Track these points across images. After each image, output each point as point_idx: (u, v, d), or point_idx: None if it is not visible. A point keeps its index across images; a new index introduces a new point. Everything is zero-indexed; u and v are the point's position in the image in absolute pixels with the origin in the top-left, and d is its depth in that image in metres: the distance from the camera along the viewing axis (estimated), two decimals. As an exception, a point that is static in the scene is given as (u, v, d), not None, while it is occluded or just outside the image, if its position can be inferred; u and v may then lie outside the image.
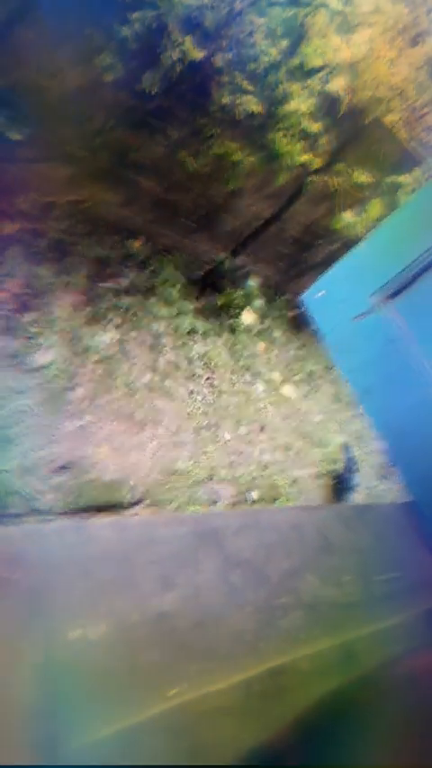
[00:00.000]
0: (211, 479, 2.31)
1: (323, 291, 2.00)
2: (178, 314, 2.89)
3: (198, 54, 2.06)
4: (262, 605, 1.14)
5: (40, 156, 2.18)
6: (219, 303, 3.07)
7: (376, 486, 2.69)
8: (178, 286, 2.98)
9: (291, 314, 3.14)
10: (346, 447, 2.68)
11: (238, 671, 0.98)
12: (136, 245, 2.86)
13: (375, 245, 1.92)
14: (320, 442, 2.76)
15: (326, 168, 2.63)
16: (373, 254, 1.91)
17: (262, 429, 2.70)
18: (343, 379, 1.98)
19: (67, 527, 1.28)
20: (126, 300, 2.68)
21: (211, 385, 2.79)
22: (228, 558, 1.12)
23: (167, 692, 0.86)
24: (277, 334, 3.11)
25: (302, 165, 2.55)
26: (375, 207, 2.71)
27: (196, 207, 2.59)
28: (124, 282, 2.78)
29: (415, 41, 2.54)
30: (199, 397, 2.66)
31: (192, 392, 2.66)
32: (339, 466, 2.72)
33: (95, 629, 0.93)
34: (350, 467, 2.58)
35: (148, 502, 2.12)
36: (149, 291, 2.82)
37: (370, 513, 1.58)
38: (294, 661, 1.08)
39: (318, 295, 2.02)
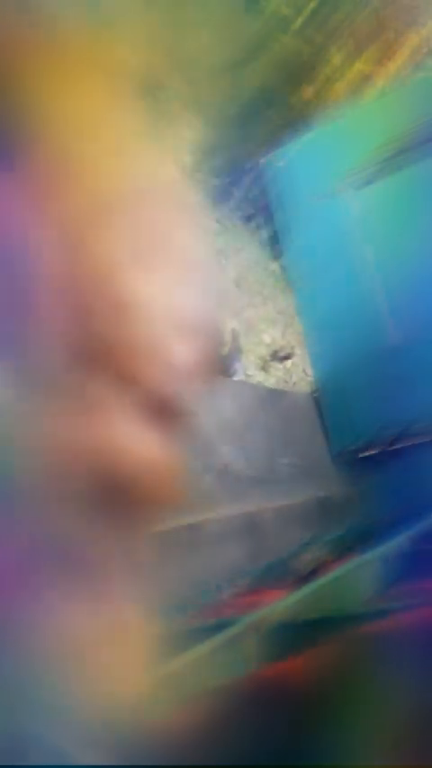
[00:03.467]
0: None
1: (284, 160, 1.90)
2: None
3: None
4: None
5: None
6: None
7: (254, 376, 2.72)
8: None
9: (214, 182, 2.96)
10: (234, 333, 2.65)
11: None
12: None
13: (358, 123, 1.84)
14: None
15: (300, 31, 2.42)
16: (352, 132, 1.83)
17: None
18: (285, 256, 1.92)
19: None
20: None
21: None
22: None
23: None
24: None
25: (281, 18, 2.32)
26: (337, 90, 2.57)
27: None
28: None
29: None
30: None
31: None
32: (224, 350, 2.70)
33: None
34: (235, 353, 2.57)
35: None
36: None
37: (282, 399, 1.60)
38: (206, 522, 1.08)
39: (280, 163, 1.91)
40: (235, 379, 2.44)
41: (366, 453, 1.77)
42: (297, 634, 0.57)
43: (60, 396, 0.25)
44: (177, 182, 0.40)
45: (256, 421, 1.39)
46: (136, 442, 0.28)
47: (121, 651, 0.30)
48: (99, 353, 0.26)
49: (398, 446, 1.73)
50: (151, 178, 0.35)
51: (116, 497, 0.27)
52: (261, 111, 2.81)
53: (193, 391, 0.31)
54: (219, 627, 0.57)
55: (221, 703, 0.43)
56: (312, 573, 1.06)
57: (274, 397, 1.54)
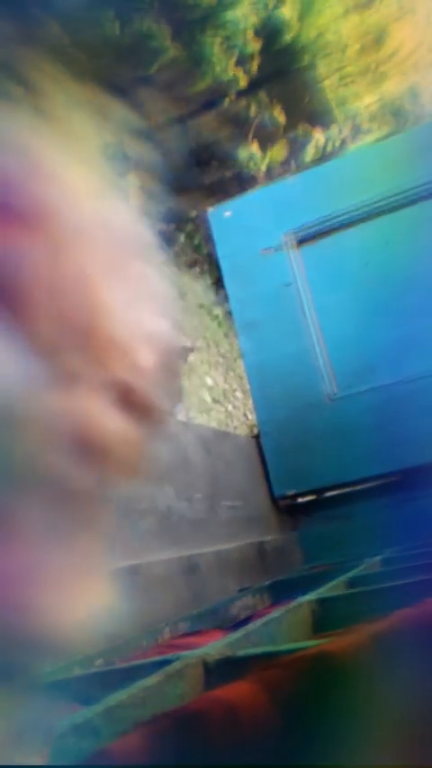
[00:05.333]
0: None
1: (230, 212, 1.98)
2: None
3: None
4: (122, 506, 1.12)
5: None
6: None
7: (195, 418, 2.76)
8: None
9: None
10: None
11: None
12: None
13: (304, 184, 1.95)
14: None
15: (248, 92, 2.56)
16: (299, 191, 1.94)
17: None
18: (230, 304, 1.99)
19: None
20: None
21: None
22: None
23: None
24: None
25: (228, 80, 2.46)
26: (280, 149, 2.72)
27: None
28: None
29: (368, 5, 2.58)
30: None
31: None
32: (181, 377, 2.74)
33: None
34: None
35: None
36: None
37: (225, 441, 1.64)
38: (149, 564, 1.09)
39: (226, 214, 1.99)
40: (177, 419, 2.46)
41: (304, 500, 1.82)
42: (239, 667, 0.59)
43: (48, 375, 0.31)
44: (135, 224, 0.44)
45: (199, 462, 1.42)
46: (106, 417, 0.33)
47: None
48: (79, 345, 0.32)
49: (335, 494, 1.79)
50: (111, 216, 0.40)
51: (86, 462, 0.33)
52: (208, 163, 2.93)
53: (158, 390, 0.37)
54: (159, 664, 0.59)
55: (170, 727, 0.45)
56: (248, 618, 1.09)
57: (217, 438, 1.58)
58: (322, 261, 1.89)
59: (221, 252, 2.03)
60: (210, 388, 2.89)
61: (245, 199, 2.09)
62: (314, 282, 1.88)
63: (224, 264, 2.02)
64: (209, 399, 2.80)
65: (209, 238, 2.42)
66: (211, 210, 2.08)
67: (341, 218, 1.86)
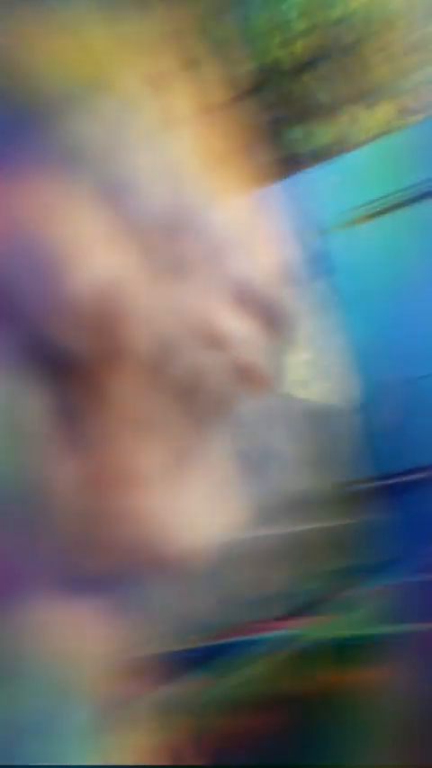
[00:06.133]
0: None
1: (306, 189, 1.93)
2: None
3: None
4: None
5: None
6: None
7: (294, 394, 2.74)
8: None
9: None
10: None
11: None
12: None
13: (376, 159, 1.87)
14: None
15: (294, 73, 2.46)
16: (371, 166, 1.86)
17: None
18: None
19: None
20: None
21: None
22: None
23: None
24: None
25: (274, 60, 2.37)
26: (325, 133, 2.60)
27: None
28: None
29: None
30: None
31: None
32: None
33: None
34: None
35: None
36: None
37: (329, 415, 1.61)
38: (255, 539, 1.09)
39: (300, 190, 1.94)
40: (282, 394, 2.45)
41: (408, 478, 1.76)
42: (348, 651, 0.59)
43: (169, 278, 0.29)
44: None
45: (304, 438, 1.40)
46: (229, 320, 0.31)
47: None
48: (198, 249, 0.31)
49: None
50: None
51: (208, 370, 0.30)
52: (251, 147, 2.84)
53: (284, 298, 0.34)
54: (278, 641, 0.59)
55: (298, 708, 0.45)
56: (354, 599, 1.07)
57: (321, 413, 1.55)
58: (411, 230, 1.80)
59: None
60: (307, 364, 2.86)
61: (316, 174, 2.03)
62: (408, 254, 1.79)
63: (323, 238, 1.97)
64: (306, 376, 2.78)
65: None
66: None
67: (411, 192, 1.76)
